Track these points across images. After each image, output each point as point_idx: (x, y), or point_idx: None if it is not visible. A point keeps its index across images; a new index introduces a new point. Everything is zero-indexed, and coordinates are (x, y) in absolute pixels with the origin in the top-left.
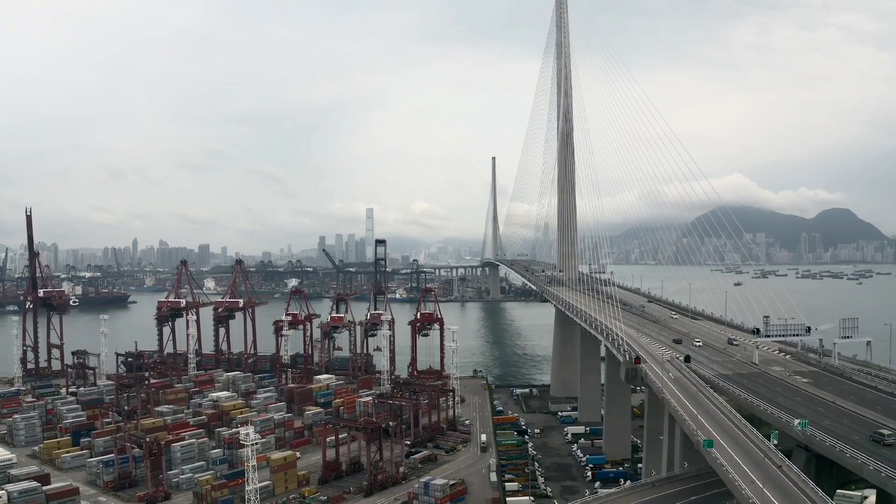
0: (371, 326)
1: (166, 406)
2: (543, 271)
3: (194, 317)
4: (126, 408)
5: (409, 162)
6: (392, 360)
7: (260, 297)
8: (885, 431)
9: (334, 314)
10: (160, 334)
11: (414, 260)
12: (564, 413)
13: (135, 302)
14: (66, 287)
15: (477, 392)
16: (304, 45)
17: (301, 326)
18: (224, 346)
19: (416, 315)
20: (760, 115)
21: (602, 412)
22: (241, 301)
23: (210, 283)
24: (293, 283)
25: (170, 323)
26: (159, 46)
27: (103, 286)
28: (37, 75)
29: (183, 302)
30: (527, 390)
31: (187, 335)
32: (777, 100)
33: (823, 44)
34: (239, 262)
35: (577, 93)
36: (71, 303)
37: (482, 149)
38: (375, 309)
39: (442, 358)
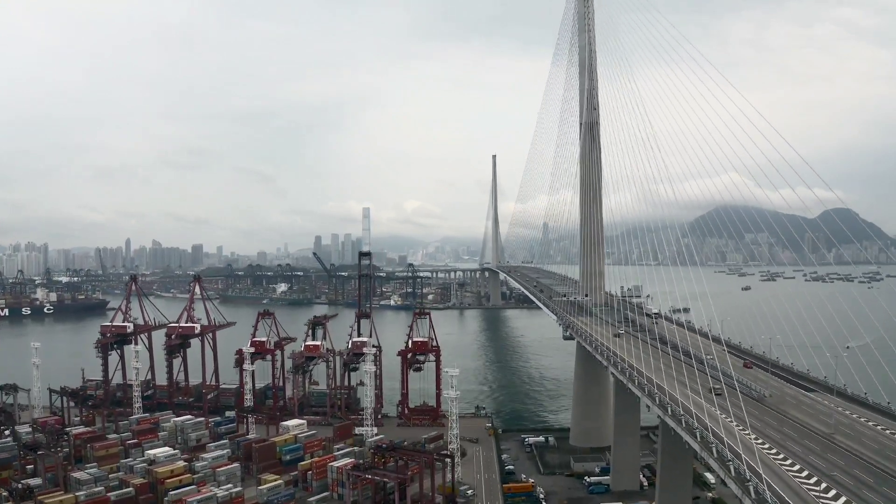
0: (352, 358)
1: (88, 470)
2: (565, 296)
3: (140, 346)
4: (19, 485)
5: (402, 160)
6: (379, 396)
7: (237, 305)
8: (717, 386)
9: (309, 342)
10: (105, 364)
11: (410, 264)
12: (593, 478)
13: (114, 309)
14: (39, 294)
15: (480, 438)
16: (294, 43)
17: (269, 357)
18: (181, 377)
19: (406, 343)
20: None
21: (641, 478)
22: (197, 326)
23: (197, 288)
24: (282, 287)
25: (118, 350)
26: (149, 44)
27: (81, 292)
28: (26, 74)
29: (130, 326)
30: (541, 438)
31: (134, 369)
32: (776, 100)
33: (822, 41)
34: (197, 277)
35: (604, 76)
36: (45, 310)
37: (477, 147)
38: (359, 334)
39: (438, 396)
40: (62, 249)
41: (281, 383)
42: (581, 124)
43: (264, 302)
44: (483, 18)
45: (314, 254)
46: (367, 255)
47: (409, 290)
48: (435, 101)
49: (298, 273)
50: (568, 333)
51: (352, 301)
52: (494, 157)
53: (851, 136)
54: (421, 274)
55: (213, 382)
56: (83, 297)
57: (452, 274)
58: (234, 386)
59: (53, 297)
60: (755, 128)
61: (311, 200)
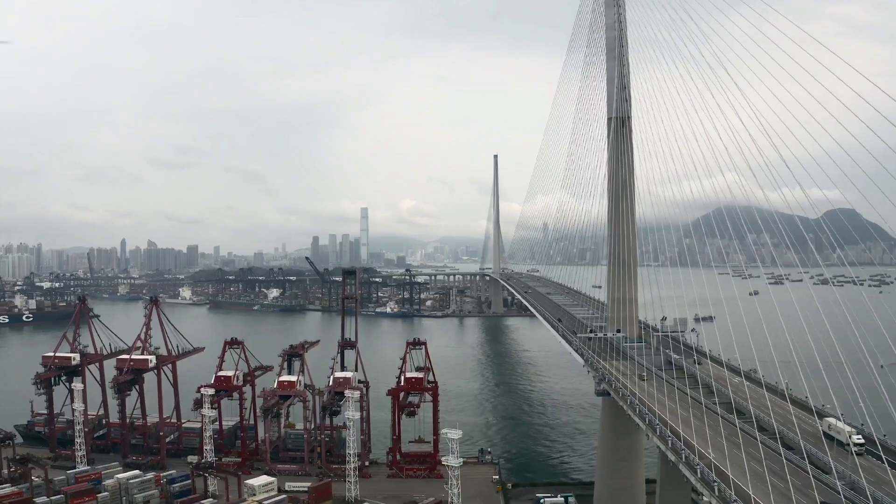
0: (333, 399)
1: None
2: (592, 331)
3: (83, 383)
4: None
5: (395, 159)
6: (365, 441)
7: (227, 311)
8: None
9: (284, 377)
10: (49, 401)
11: (407, 269)
12: None
13: (97, 316)
14: (18, 301)
15: (485, 496)
16: (283, 40)
17: (237, 394)
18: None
19: (398, 379)
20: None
21: None
22: (152, 359)
23: (186, 293)
24: (274, 293)
25: (68, 382)
26: (136, 42)
27: (62, 298)
28: (12, 72)
29: (76, 357)
30: (559, 499)
31: (76, 411)
32: (772, 97)
33: (819, 37)
34: (153, 300)
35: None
36: (24, 318)
37: (472, 146)
38: (343, 367)
39: (436, 442)
40: (55, 250)
41: (252, 422)
42: (610, 119)
43: (255, 308)
44: (477, 15)
45: (307, 258)
46: (352, 273)
47: (407, 296)
48: (427, 99)
49: (291, 278)
50: (602, 388)
51: (347, 308)
52: (496, 157)
53: (850, 134)
54: (419, 279)
55: (174, 420)
56: (63, 303)
57: (452, 277)
58: (199, 425)
59: (33, 304)
60: (760, 126)
61: (305, 200)
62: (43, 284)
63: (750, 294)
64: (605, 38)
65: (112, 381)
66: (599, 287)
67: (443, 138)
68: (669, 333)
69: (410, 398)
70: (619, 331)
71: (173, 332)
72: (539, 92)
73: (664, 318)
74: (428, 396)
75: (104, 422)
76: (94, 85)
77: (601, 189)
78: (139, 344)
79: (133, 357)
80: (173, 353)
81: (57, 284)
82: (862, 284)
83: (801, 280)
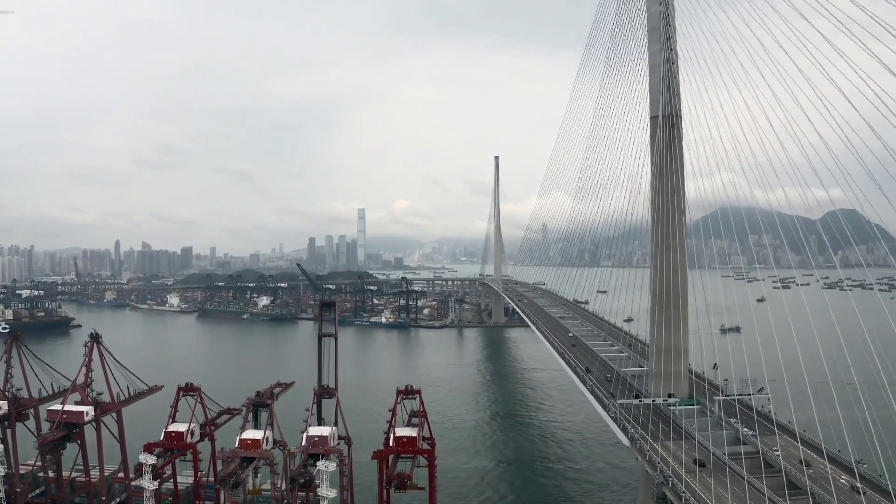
0: (303, 468)
1: None
2: (638, 396)
3: (13, 437)
4: None
5: (388, 159)
6: None
7: (215, 320)
8: None
9: (247, 432)
10: None
11: (403, 277)
12: None
13: (79, 326)
14: None
15: None
16: (280, 40)
17: (189, 453)
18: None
19: (386, 438)
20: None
21: None
22: (88, 411)
23: (174, 300)
24: (264, 301)
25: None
26: (130, 42)
27: (41, 308)
28: (6, 73)
29: (2, 406)
30: None
31: None
32: (768, 97)
33: (814, 36)
34: (95, 336)
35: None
36: (1, 329)
37: (467, 146)
38: (320, 420)
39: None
40: (49, 251)
41: (213, 480)
42: (658, 116)
43: (244, 317)
44: (476, 13)
45: (298, 265)
46: (331, 305)
47: (403, 303)
48: (425, 99)
49: (282, 285)
50: (662, 493)
51: (342, 317)
52: (497, 158)
53: (848, 134)
54: (415, 287)
55: (121, 474)
56: (42, 313)
57: (450, 283)
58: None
59: (10, 314)
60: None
61: (302, 201)
62: (22, 293)
63: (758, 301)
64: (647, 15)
65: (38, 442)
66: (605, 292)
67: (440, 138)
68: (736, 397)
69: (400, 465)
70: (671, 395)
71: (122, 371)
72: (539, 92)
73: (716, 366)
74: (423, 460)
75: (42, 479)
76: (89, 85)
77: (615, 193)
78: (77, 390)
79: (66, 409)
80: (119, 399)
81: (37, 292)
82: (871, 288)
83: (807, 284)
